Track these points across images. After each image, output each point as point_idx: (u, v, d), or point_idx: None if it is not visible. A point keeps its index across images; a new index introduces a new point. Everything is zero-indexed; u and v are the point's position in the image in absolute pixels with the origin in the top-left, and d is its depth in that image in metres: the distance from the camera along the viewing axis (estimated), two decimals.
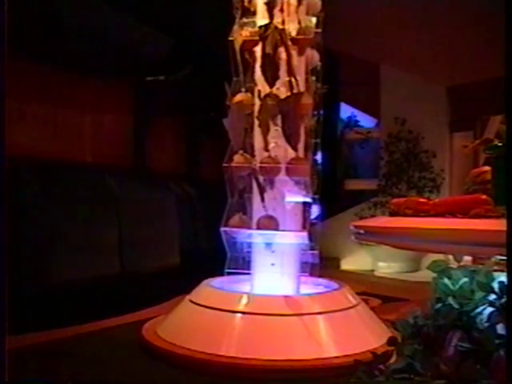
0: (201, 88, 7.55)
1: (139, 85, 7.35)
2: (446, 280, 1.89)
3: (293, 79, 4.01)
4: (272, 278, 4.11)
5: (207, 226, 6.96)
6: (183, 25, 6.95)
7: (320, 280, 4.46)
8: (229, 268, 4.15)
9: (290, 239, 4.09)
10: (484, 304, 1.79)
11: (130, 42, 6.26)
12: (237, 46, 4.08)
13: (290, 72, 4.02)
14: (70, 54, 5.90)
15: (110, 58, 6.33)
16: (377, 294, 5.98)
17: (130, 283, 5.84)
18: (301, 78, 4.14)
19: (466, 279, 1.86)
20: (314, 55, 4.32)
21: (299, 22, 4.15)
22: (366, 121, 10.44)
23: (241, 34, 4.09)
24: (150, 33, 6.49)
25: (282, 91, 4.04)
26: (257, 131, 4.10)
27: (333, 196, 8.68)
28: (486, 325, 1.75)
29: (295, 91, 3.99)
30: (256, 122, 4.05)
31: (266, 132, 3.99)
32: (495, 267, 1.90)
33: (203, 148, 8.51)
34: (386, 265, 8.19)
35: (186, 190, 7.61)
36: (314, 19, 4.26)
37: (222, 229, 4.07)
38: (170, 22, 6.72)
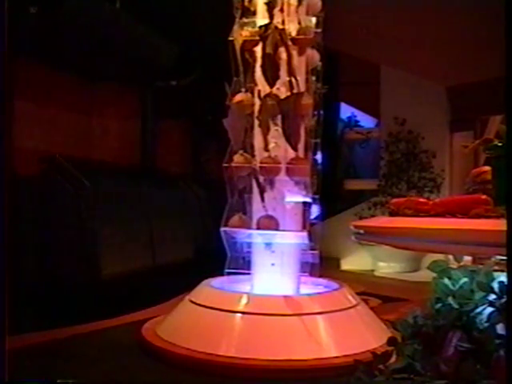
0: (202, 91, 7.92)
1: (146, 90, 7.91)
2: (446, 280, 1.89)
3: (293, 79, 4.01)
4: (272, 277, 4.11)
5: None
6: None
7: (320, 280, 4.46)
8: (229, 268, 4.15)
9: (290, 239, 4.09)
10: (484, 304, 1.78)
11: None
12: (237, 46, 4.08)
13: (290, 72, 4.02)
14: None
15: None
16: (377, 294, 5.98)
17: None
18: (301, 78, 4.14)
19: (465, 279, 1.86)
20: (314, 55, 4.32)
21: (299, 22, 4.16)
22: (366, 121, 10.43)
23: (241, 34, 4.09)
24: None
25: (282, 91, 4.04)
26: (257, 131, 4.10)
27: (333, 196, 8.67)
28: (486, 325, 1.74)
29: (295, 91, 3.99)
30: (256, 122, 4.05)
31: (266, 132, 3.99)
32: (495, 267, 1.90)
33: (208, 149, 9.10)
34: (385, 265, 8.18)
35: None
36: (313, 19, 4.27)
37: (222, 229, 4.07)
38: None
